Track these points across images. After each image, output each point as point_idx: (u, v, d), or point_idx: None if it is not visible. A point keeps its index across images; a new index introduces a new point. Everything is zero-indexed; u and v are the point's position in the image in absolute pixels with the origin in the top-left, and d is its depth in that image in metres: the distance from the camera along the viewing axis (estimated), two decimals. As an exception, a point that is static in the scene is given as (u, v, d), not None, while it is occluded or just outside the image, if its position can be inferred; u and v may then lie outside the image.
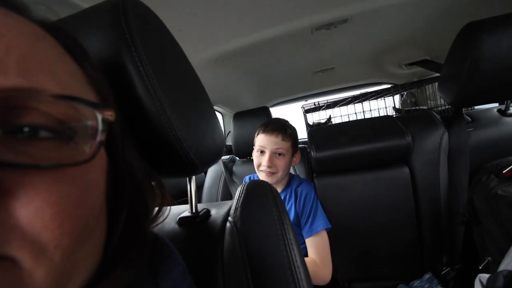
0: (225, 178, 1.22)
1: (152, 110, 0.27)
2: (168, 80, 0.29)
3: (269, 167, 0.85)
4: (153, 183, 0.28)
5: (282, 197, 0.85)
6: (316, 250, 0.80)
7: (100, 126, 0.17)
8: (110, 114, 0.18)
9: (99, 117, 0.17)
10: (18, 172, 0.14)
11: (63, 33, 0.21)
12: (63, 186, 0.16)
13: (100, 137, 0.17)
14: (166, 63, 0.30)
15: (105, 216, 0.21)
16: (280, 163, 0.86)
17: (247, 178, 1.08)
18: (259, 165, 0.88)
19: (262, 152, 0.88)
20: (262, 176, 0.88)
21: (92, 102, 0.17)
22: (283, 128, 0.88)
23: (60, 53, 0.19)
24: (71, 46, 0.21)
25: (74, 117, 0.17)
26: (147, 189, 0.25)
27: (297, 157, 0.94)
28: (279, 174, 0.86)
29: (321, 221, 0.84)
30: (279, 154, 0.86)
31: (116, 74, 0.26)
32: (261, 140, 0.89)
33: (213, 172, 1.29)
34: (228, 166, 1.29)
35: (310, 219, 0.84)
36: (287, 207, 0.90)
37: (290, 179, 0.95)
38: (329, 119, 1.77)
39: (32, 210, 0.14)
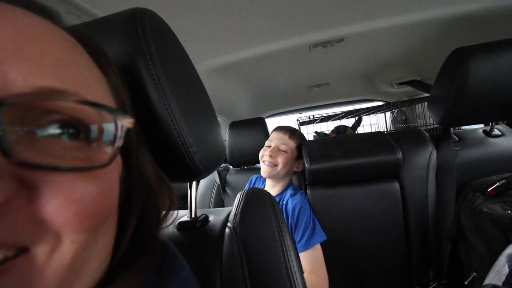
0: (218, 187, 1.22)
1: (163, 116, 0.28)
2: (179, 88, 0.30)
3: (270, 156, 0.94)
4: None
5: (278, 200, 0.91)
6: (312, 262, 0.82)
7: (120, 132, 0.18)
8: (129, 121, 0.19)
9: (119, 123, 0.18)
10: (43, 170, 0.15)
11: (90, 41, 0.22)
12: (85, 185, 0.16)
13: (118, 142, 0.18)
14: (177, 72, 0.31)
15: (116, 218, 0.21)
16: (281, 158, 0.94)
17: (254, 178, 1.14)
18: (262, 156, 0.97)
19: (269, 146, 0.97)
20: (263, 167, 0.97)
21: (115, 109, 0.18)
22: (293, 130, 1.01)
23: (87, 60, 0.20)
24: (97, 54, 0.22)
25: (97, 121, 0.17)
26: (159, 193, 0.25)
27: (300, 165, 0.99)
28: (279, 168, 0.93)
29: (317, 234, 0.86)
30: (283, 151, 0.94)
31: (131, 80, 0.27)
32: (271, 136, 1.01)
33: (207, 180, 1.29)
34: (222, 175, 1.29)
35: (307, 233, 0.85)
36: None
37: (288, 187, 0.99)
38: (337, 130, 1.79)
39: (55, 207, 0.15)
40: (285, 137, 0.97)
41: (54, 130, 0.16)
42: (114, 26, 0.29)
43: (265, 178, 1.04)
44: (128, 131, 0.22)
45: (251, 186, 1.11)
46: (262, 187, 1.06)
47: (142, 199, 0.23)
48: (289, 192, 0.95)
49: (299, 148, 0.98)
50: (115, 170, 0.20)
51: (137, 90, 0.28)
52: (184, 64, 0.34)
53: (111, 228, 0.20)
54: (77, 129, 0.17)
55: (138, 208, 0.23)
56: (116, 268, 0.21)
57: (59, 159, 0.16)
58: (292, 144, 0.97)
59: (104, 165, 0.17)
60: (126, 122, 0.18)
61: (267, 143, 1.01)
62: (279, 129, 1.01)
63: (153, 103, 0.28)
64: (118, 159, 0.21)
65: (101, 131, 0.17)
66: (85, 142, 0.17)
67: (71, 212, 0.15)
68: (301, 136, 1.02)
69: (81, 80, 0.18)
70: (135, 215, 0.22)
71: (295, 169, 0.99)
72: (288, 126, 1.03)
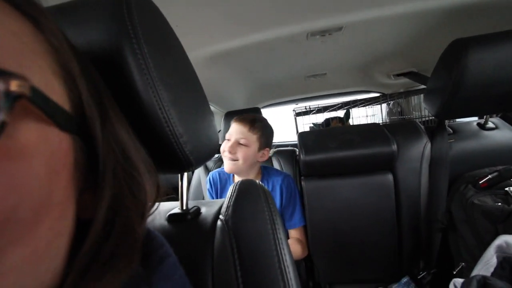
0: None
1: (150, 103, 0.27)
2: (168, 75, 0.29)
3: (230, 152, 0.89)
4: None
5: None
6: (303, 234, 0.96)
7: (3, 101, 0.13)
8: (18, 85, 0.13)
9: (1, 87, 0.13)
10: None
11: None
12: None
13: (0, 115, 0.13)
14: (167, 58, 0.30)
15: (72, 211, 0.18)
16: (241, 152, 0.89)
17: (215, 174, 1.04)
18: (223, 151, 0.92)
19: (229, 139, 0.92)
20: (225, 162, 0.92)
21: None
22: (252, 121, 0.92)
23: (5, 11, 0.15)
24: (24, 4, 0.17)
25: None
26: (146, 180, 0.22)
27: (265, 154, 0.94)
28: (240, 163, 0.89)
29: (302, 214, 0.95)
30: (243, 144, 0.89)
31: (115, 65, 0.26)
32: (230, 129, 0.94)
33: (200, 171, 1.28)
34: (216, 165, 1.29)
35: (296, 212, 0.94)
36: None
37: (269, 173, 0.98)
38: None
39: None
40: (244, 129, 0.90)
41: None
42: (98, 5, 0.27)
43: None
44: (82, 103, 0.18)
45: (212, 187, 1.02)
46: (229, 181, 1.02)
47: (119, 188, 0.20)
48: (273, 177, 0.96)
49: (261, 139, 0.92)
50: (38, 153, 0.15)
51: (122, 76, 0.26)
52: (175, 50, 0.33)
53: (51, 225, 0.16)
54: None
55: (106, 201, 0.19)
56: (86, 273, 0.18)
57: None
58: (252, 136, 0.90)
59: None
60: (15, 85, 0.13)
61: (227, 136, 0.94)
62: (238, 120, 0.94)
63: (139, 90, 0.26)
64: (59, 137, 0.16)
65: None
66: None
67: None
68: (262, 125, 0.94)
69: None
70: (102, 209, 0.19)
71: (259, 159, 0.94)
72: (247, 116, 0.95)
